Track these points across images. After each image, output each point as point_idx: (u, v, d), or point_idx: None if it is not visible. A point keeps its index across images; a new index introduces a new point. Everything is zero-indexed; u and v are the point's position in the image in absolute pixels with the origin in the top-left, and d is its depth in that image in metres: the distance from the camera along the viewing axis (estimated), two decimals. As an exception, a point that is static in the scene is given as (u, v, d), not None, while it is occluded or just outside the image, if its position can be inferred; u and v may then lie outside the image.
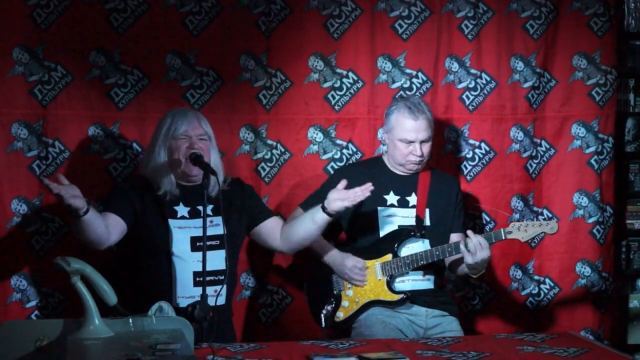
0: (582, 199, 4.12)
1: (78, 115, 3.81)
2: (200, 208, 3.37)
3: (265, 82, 3.94)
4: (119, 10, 3.81)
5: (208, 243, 3.24)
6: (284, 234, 3.54)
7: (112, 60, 3.82)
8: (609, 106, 4.13)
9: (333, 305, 3.62)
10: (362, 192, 3.35)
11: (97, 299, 2.61)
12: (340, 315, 3.62)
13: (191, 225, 3.39)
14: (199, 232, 3.32)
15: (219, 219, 3.36)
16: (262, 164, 3.97)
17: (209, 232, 3.27)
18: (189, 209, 3.41)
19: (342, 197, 3.34)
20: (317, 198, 3.72)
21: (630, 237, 4.30)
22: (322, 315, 3.54)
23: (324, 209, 3.36)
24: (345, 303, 3.62)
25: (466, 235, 3.47)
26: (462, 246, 3.42)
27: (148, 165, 3.43)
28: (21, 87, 3.75)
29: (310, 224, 3.44)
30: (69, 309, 3.75)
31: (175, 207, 3.40)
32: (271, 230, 3.57)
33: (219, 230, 3.34)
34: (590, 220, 4.12)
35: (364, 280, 3.58)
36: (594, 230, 4.13)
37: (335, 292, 3.64)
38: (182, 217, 3.40)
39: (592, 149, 4.12)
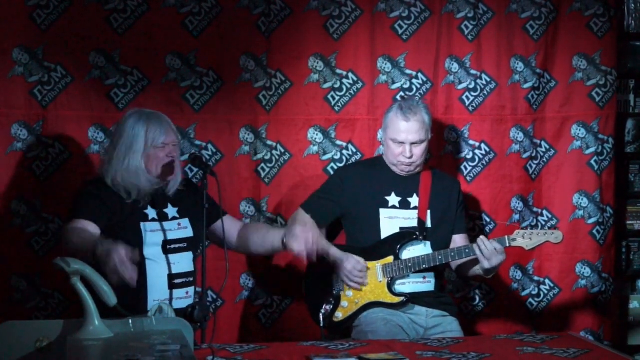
0: (582, 199, 4.12)
1: (78, 115, 3.81)
2: (166, 211, 3.35)
3: (265, 83, 3.94)
4: (119, 11, 3.81)
5: (176, 246, 3.29)
6: (242, 236, 3.50)
7: (112, 61, 3.82)
8: (609, 107, 4.13)
9: (332, 305, 3.62)
10: (312, 257, 3.30)
11: (97, 300, 2.61)
12: (339, 315, 3.61)
13: (161, 229, 3.33)
14: (169, 235, 3.31)
15: (185, 221, 3.36)
16: (262, 164, 3.97)
17: (178, 235, 3.31)
18: (156, 211, 3.35)
19: (301, 242, 3.25)
20: (318, 199, 3.73)
21: (631, 237, 4.30)
22: (321, 315, 3.54)
23: (283, 240, 3.32)
24: (344, 303, 3.61)
25: (469, 237, 3.48)
26: (477, 251, 3.43)
27: (119, 171, 3.27)
28: (21, 88, 3.75)
29: (268, 244, 3.43)
30: (69, 310, 3.75)
31: (145, 211, 3.33)
32: (226, 226, 3.40)
33: (187, 232, 3.35)
34: (590, 221, 4.12)
35: (363, 283, 3.57)
36: (594, 231, 4.13)
37: (334, 292, 3.63)
38: (153, 220, 3.33)
39: (592, 149, 4.12)
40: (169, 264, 3.20)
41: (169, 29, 3.86)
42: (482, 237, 3.47)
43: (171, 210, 3.36)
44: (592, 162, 4.12)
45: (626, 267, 4.29)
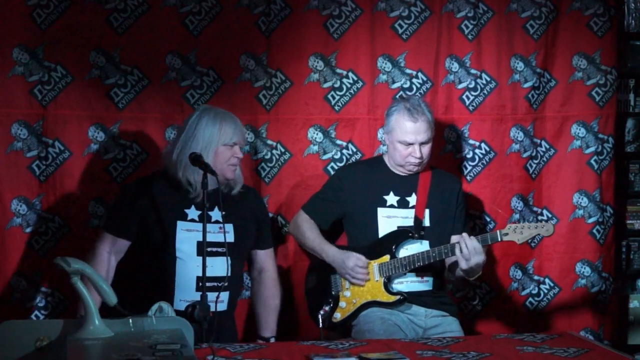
0: (582, 199, 4.12)
1: (78, 115, 3.81)
2: (211, 213, 3.35)
3: (265, 82, 3.94)
4: (119, 11, 3.81)
5: (214, 249, 3.26)
6: (260, 286, 3.61)
7: (112, 61, 3.82)
8: (609, 106, 4.13)
9: (331, 305, 3.62)
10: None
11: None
12: (338, 315, 3.61)
13: (199, 229, 3.34)
14: (208, 238, 3.29)
15: (229, 227, 3.37)
16: (262, 164, 3.97)
17: (217, 238, 3.29)
18: (200, 212, 3.37)
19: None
20: (319, 200, 3.73)
21: (631, 237, 4.30)
22: (320, 315, 3.54)
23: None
24: (342, 304, 3.61)
25: (462, 235, 3.47)
26: (457, 251, 3.42)
27: (185, 168, 3.32)
28: (21, 87, 3.75)
29: (258, 318, 3.61)
30: (69, 309, 3.75)
31: (186, 210, 3.38)
32: (259, 260, 3.61)
33: (228, 237, 3.34)
34: (590, 221, 4.12)
35: (366, 278, 3.57)
36: (594, 231, 4.13)
37: (333, 293, 3.63)
38: (192, 220, 3.38)
39: (592, 149, 4.12)
40: (202, 266, 3.16)
41: (169, 28, 3.86)
42: (464, 234, 3.46)
43: (216, 214, 3.35)
44: (592, 161, 4.12)
45: (626, 266, 4.29)
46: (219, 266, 3.25)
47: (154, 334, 2.50)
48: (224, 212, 3.26)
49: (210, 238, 3.22)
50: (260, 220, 3.60)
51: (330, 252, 3.63)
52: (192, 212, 3.39)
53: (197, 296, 3.19)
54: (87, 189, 3.81)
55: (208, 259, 3.21)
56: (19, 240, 3.76)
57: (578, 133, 4.12)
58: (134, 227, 3.38)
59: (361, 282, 3.57)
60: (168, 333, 2.52)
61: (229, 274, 3.18)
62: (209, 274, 3.20)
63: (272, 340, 3.53)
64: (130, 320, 2.57)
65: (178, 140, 3.41)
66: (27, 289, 3.78)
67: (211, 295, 3.14)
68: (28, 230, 3.78)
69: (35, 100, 3.76)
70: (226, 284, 3.25)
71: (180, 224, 3.36)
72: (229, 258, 3.15)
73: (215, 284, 3.27)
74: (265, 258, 3.62)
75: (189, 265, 3.32)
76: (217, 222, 3.35)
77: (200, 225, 3.34)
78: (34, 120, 3.76)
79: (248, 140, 3.93)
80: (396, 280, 3.59)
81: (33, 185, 3.77)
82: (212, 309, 3.01)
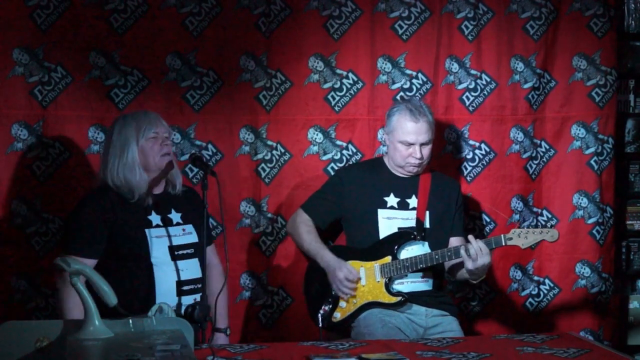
0: (582, 199, 4.12)
1: (78, 116, 3.81)
2: (170, 216, 3.33)
3: (265, 83, 3.94)
4: (119, 11, 3.81)
5: (183, 252, 3.25)
6: (207, 280, 3.43)
7: (112, 61, 3.82)
8: (609, 107, 4.13)
9: (330, 305, 3.62)
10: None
11: (97, 300, 2.60)
12: (338, 315, 3.61)
13: (166, 234, 3.31)
14: (176, 241, 3.28)
15: (189, 227, 3.33)
16: (263, 164, 3.97)
17: (183, 241, 3.28)
18: (160, 216, 3.33)
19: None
20: (318, 199, 3.73)
21: (630, 237, 4.30)
22: (319, 315, 3.54)
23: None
24: (342, 304, 3.61)
25: (466, 240, 3.46)
26: (462, 251, 3.41)
27: (118, 171, 3.26)
28: (21, 88, 3.75)
29: None
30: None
31: (149, 217, 3.31)
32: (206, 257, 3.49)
33: (192, 238, 3.32)
34: (590, 221, 4.13)
35: (351, 294, 3.56)
36: (594, 231, 4.13)
37: (333, 293, 3.63)
38: (157, 226, 3.30)
39: (592, 149, 4.12)
40: (177, 270, 3.16)
41: (169, 29, 3.86)
42: (470, 236, 3.45)
43: (175, 216, 3.34)
44: (592, 162, 4.12)
45: (626, 267, 4.29)
46: (192, 268, 3.25)
47: (154, 335, 2.50)
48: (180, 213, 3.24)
49: (177, 241, 3.24)
50: (201, 219, 3.43)
51: (325, 257, 3.62)
52: (155, 218, 3.31)
53: (177, 302, 3.20)
54: (86, 190, 3.80)
55: (180, 262, 3.21)
56: (19, 240, 3.76)
57: (578, 134, 4.12)
58: (100, 244, 3.24)
59: (345, 295, 3.56)
60: (168, 334, 2.52)
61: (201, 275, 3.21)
62: (184, 277, 3.21)
63: (228, 331, 3.43)
64: (130, 321, 2.57)
65: (104, 157, 3.34)
66: (27, 290, 3.78)
67: (189, 299, 3.17)
68: (28, 230, 3.78)
69: (35, 100, 3.77)
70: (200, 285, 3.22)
71: (148, 232, 3.27)
72: (227, 257, 3.14)
73: (193, 286, 3.25)
74: (210, 253, 3.48)
75: (165, 272, 3.25)
76: (178, 224, 3.33)
77: (164, 230, 3.29)
78: (34, 121, 3.77)
79: (248, 141, 3.93)
80: (397, 281, 3.58)
81: (33, 185, 3.77)
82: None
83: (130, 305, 2.94)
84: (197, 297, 3.20)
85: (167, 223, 3.32)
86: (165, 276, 3.25)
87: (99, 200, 3.26)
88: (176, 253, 3.27)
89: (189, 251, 3.28)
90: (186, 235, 3.31)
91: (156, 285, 3.24)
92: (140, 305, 3.00)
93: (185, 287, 3.23)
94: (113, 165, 3.26)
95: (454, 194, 3.74)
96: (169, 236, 3.29)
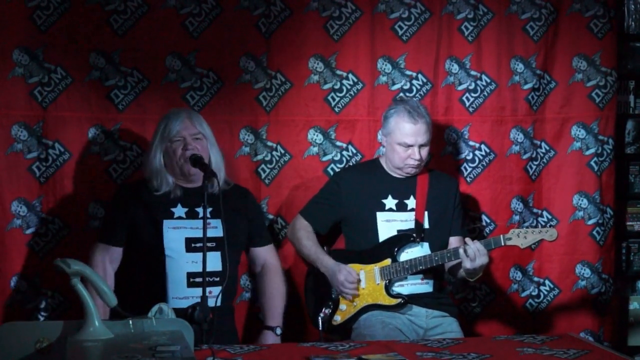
0: (582, 200, 4.12)
1: (78, 116, 3.81)
2: (198, 210, 3.37)
3: (265, 84, 3.94)
4: (119, 12, 3.81)
5: (201, 244, 3.25)
6: (262, 278, 3.64)
7: (112, 62, 3.82)
8: (609, 108, 4.13)
9: (331, 308, 3.62)
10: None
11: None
12: (338, 318, 3.61)
13: (187, 226, 3.39)
14: (194, 233, 3.34)
15: (217, 222, 3.34)
16: (262, 165, 3.97)
17: (204, 234, 3.28)
18: (186, 209, 3.42)
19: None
20: (317, 205, 3.73)
21: (631, 238, 4.30)
22: (320, 318, 3.54)
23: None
24: (343, 306, 3.61)
25: (464, 240, 3.47)
26: (461, 252, 3.42)
27: (146, 167, 3.47)
28: (21, 89, 3.75)
29: (262, 308, 3.64)
30: (69, 311, 3.75)
31: (172, 209, 3.40)
32: (259, 257, 3.65)
33: (217, 232, 3.31)
34: (590, 222, 4.12)
35: (355, 294, 3.57)
36: (594, 232, 4.13)
37: (333, 296, 3.63)
38: (179, 218, 3.39)
39: (592, 150, 4.12)
40: (202, 262, 3.14)
41: (169, 30, 3.86)
42: (467, 238, 3.47)
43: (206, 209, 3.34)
44: (592, 163, 4.12)
45: (626, 268, 4.29)
46: (209, 261, 3.22)
47: (154, 336, 2.50)
48: (210, 208, 3.22)
49: (198, 234, 3.25)
50: (252, 218, 3.60)
51: (325, 262, 3.63)
52: (179, 210, 3.42)
53: (189, 293, 3.22)
54: (87, 191, 3.81)
55: (197, 254, 3.23)
56: (19, 241, 3.76)
57: (578, 134, 4.12)
58: (124, 233, 3.44)
59: (349, 296, 3.57)
60: (168, 334, 2.52)
61: (223, 269, 3.24)
62: (199, 269, 3.21)
63: (278, 331, 3.52)
64: (130, 322, 2.57)
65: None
66: (27, 291, 3.78)
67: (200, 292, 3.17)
68: (28, 231, 3.78)
69: (35, 101, 3.77)
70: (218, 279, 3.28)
71: (166, 223, 3.38)
72: (226, 252, 3.17)
73: (208, 279, 3.24)
74: (265, 254, 3.65)
75: (179, 263, 3.33)
76: (204, 217, 3.33)
77: (187, 222, 3.39)
78: (34, 122, 3.77)
79: (248, 141, 3.93)
80: (397, 283, 3.58)
81: (33, 186, 3.78)
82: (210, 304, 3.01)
83: (143, 295, 3.10)
84: (214, 289, 3.24)
85: (190, 216, 3.38)
86: (178, 268, 3.33)
87: (127, 191, 3.50)
88: (193, 245, 3.30)
89: (210, 244, 3.24)
90: (211, 228, 3.26)
91: (168, 276, 3.33)
92: (153, 296, 3.06)
93: (199, 280, 3.21)
94: (146, 159, 3.47)
95: (451, 191, 3.74)
96: (189, 228, 3.33)
